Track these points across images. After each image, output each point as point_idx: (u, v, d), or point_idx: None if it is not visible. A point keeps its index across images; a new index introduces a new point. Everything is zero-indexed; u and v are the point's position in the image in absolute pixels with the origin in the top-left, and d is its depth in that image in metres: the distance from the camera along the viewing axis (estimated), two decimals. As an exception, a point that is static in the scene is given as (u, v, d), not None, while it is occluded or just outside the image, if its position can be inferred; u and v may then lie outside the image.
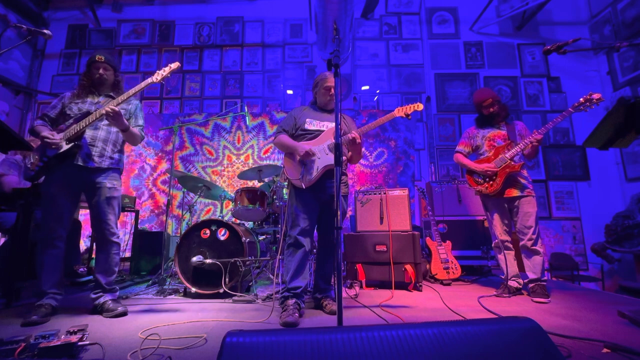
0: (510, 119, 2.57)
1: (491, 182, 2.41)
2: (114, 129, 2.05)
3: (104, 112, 1.87)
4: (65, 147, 1.87)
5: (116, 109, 1.87)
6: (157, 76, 2.00)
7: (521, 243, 2.36)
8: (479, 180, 2.49)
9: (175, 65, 2.04)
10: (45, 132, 1.86)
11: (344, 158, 1.99)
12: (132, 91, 1.95)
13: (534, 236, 2.30)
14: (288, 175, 2.06)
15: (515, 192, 2.37)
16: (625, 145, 1.47)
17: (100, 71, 2.05)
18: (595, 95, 2.14)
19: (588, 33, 4.70)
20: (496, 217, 2.48)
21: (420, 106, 1.96)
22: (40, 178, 1.95)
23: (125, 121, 1.98)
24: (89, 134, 1.97)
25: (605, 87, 4.48)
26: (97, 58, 2.04)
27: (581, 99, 2.20)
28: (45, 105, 4.81)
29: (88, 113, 1.94)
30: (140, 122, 2.17)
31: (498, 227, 2.47)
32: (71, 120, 1.95)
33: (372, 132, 4.50)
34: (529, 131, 2.46)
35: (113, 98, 2.11)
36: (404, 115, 1.95)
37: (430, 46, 4.91)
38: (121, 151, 2.14)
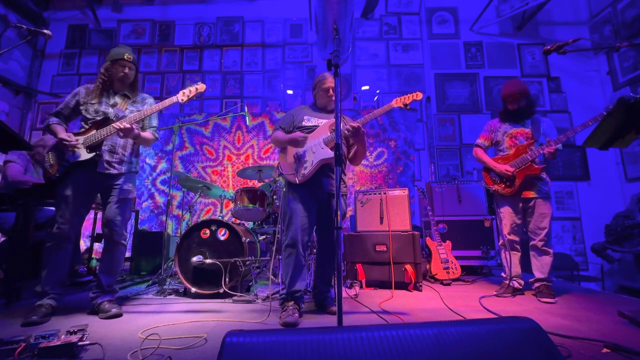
0: (536, 116, 2.42)
1: (508, 182, 2.34)
2: None
3: (117, 128, 1.86)
4: (87, 155, 1.89)
5: (128, 126, 1.86)
6: (183, 96, 1.96)
7: (532, 243, 2.31)
8: (496, 179, 2.41)
9: (201, 87, 1.99)
10: (63, 134, 1.88)
11: (343, 149, 1.95)
12: (155, 107, 1.96)
13: (546, 237, 2.27)
14: (282, 171, 2.02)
15: (532, 194, 2.31)
16: (625, 145, 1.47)
17: (126, 70, 2.03)
18: None
19: (588, 33, 4.70)
20: (507, 215, 2.40)
21: (419, 95, 1.88)
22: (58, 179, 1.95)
23: (137, 131, 1.95)
24: (108, 141, 1.98)
25: (605, 87, 4.48)
26: (126, 57, 2.02)
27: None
28: (45, 106, 4.81)
29: (105, 115, 1.96)
30: (154, 122, 2.16)
31: (508, 225, 2.40)
32: (89, 124, 1.95)
33: (372, 132, 4.50)
34: (554, 131, 2.35)
35: (128, 97, 2.10)
36: (402, 106, 1.87)
37: (430, 46, 4.91)
38: (137, 154, 2.16)
